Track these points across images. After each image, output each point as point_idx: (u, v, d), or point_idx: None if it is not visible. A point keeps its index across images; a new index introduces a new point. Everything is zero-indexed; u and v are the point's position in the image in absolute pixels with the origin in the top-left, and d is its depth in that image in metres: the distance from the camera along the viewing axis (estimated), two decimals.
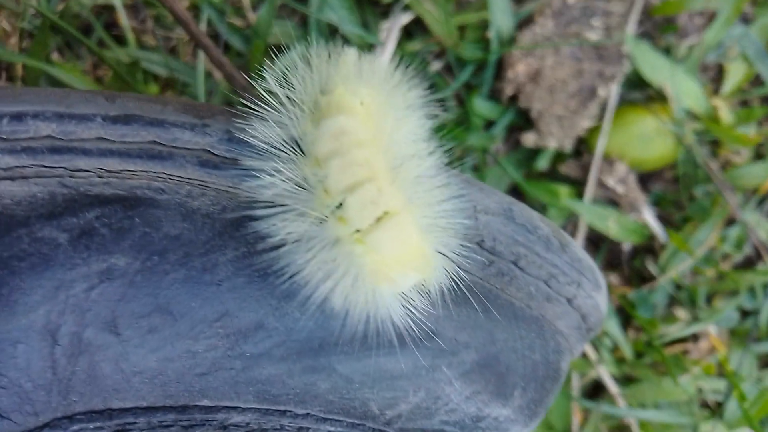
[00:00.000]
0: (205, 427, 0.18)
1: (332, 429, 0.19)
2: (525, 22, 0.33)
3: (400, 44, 0.33)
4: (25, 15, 0.33)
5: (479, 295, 0.19)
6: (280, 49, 0.33)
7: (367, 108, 0.16)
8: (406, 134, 0.17)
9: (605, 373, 0.32)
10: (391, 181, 0.16)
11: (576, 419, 0.32)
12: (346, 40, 0.33)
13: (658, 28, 0.35)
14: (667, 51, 0.34)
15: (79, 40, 0.32)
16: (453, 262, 0.17)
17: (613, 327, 0.32)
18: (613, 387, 0.32)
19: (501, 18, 0.32)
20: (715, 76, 0.35)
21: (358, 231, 0.16)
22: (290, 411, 0.18)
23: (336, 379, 0.18)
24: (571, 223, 0.33)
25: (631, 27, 0.34)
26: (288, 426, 0.19)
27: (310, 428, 0.19)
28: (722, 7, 0.33)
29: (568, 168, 0.33)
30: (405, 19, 0.33)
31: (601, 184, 0.33)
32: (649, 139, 0.33)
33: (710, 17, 0.35)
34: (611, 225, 0.31)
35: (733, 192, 0.34)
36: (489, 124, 0.34)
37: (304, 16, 0.33)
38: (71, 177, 0.18)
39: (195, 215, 0.18)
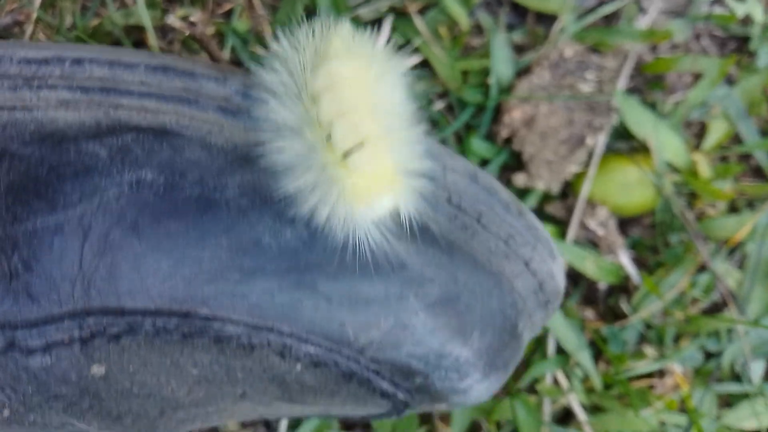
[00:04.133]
0: (202, 337, 0.21)
1: (312, 350, 0.21)
2: (523, 72, 0.36)
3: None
4: (61, 28, 0.35)
5: (447, 242, 0.21)
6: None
7: (358, 69, 0.19)
8: (390, 100, 0.20)
9: (575, 401, 0.35)
10: (372, 116, 0.19)
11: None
12: None
13: (648, 84, 0.38)
14: (654, 106, 0.37)
15: None
16: (422, 194, 0.19)
17: (585, 358, 0.35)
18: (581, 415, 0.35)
19: (501, 66, 0.35)
20: (698, 132, 0.38)
21: (343, 157, 0.18)
22: (276, 327, 0.21)
23: (318, 297, 0.20)
24: None
25: (622, 82, 0.36)
26: (273, 342, 0.21)
27: (292, 346, 0.21)
28: (708, 69, 0.36)
29: (553, 208, 0.36)
30: (413, 61, 0.35)
31: (583, 226, 0.35)
32: (630, 187, 0.36)
33: (697, 76, 0.38)
34: (589, 265, 0.34)
35: (706, 242, 0.36)
36: (484, 163, 0.36)
37: None
38: (114, 110, 0.21)
39: (212, 148, 0.21)
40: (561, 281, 0.25)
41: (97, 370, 0.21)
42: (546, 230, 0.24)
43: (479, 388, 0.23)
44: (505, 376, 0.25)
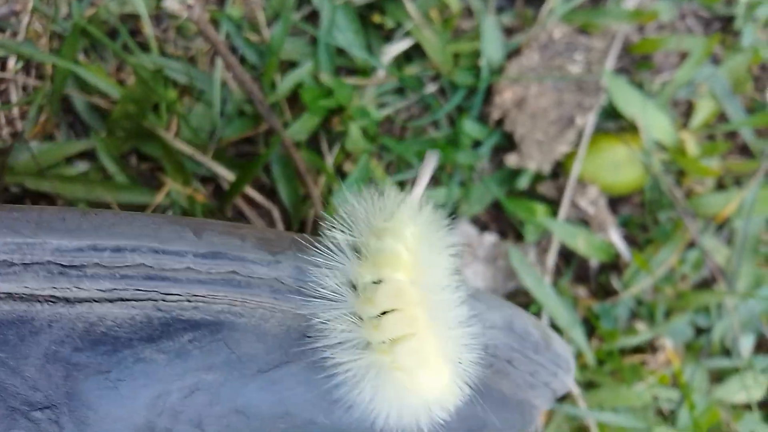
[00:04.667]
0: None
1: None
2: (513, 53, 0.36)
3: (400, 66, 0.36)
4: (56, 18, 0.35)
5: (480, 389, 0.23)
6: (292, 64, 0.36)
7: (409, 248, 0.20)
8: (438, 268, 0.21)
9: None
10: (430, 329, 0.20)
11: (541, 419, 0.36)
12: (351, 61, 0.36)
13: (635, 64, 0.38)
14: (642, 85, 0.38)
15: (106, 45, 0.35)
16: (467, 383, 0.21)
17: (578, 335, 0.35)
18: (575, 390, 0.35)
19: (492, 49, 0.35)
20: (685, 111, 0.39)
21: (394, 354, 0.19)
22: None
23: None
24: (545, 238, 0.37)
25: (610, 62, 0.37)
26: None
27: None
28: (694, 48, 0.37)
29: (545, 188, 0.37)
30: (405, 44, 0.36)
31: (574, 205, 0.36)
32: (619, 165, 0.36)
33: (684, 56, 0.38)
34: (580, 243, 0.35)
35: (695, 218, 0.37)
36: (476, 144, 0.37)
37: (314, 36, 0.36)
38: (164, 301, 0.21)
39: (266, 336, 0.22)
40: (571, 383, 0.28)
41: None
42: (566, 349, 0.27)
43: None
44: None
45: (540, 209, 0.36)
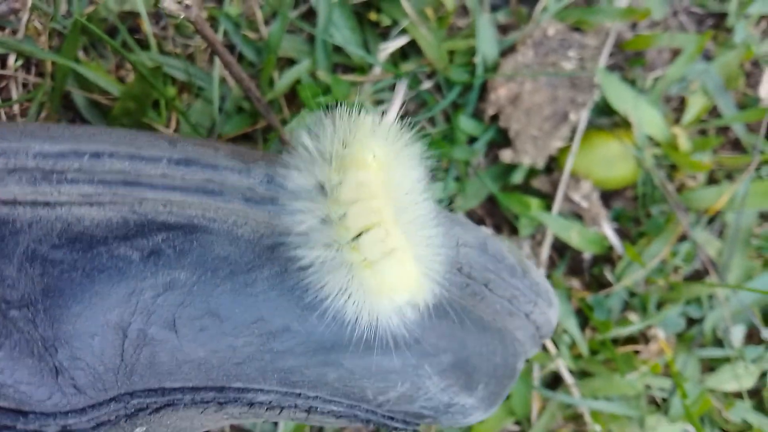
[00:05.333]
0: (236, 404, 0.23)
1: (335, 408, 0.24)
2: (508, 50, 0.37)
3: (396, 64, 0.37)
4: (56, 16, 0.36)
5: (457, 310, 0.24)
6: (290, 61, 0.36)
7: (378, 161, 0.20)
8: (408, 183, 0.21)
9: (563, 367, 0.36)
10: (395, 223, 0.20)
11: (535, 407, 0.36)
12: (348, 58, 0.36)
13: (628, 61, 0.39)
14: (635, 82, 0.38)
15: (106, 42, 0.35)
16: (438, 284, 0.21)
17: (572, 326, 0.36)
18: (569, 379, 0.36)
19: (487, 46, 0.36)
20: (678, 107, 0.39)
21: (366, 259, 0.20)
22: (304, 393, 0.23)
23: (342, 371, 0.23)
24: (539, 232, 0.37)
25: (603, 59, 0.37)
26: (300, 404, 0.24)
27: (318, 407, 0.24)
28: (686, 45, 0.37)
29: (539, 183, 0.37)
30: (401, 41, 0.36)
31: (568, 199, 0.37)
32: (612, 161, 0.37)
33: (676, 53, 0.39)
34: (573, 235, 0.35)
35: (686, 212, 0.38)
36: (472, 140, 0.37)
37: (312, 34, 0.36)
38: (140, 204, 0.22)
39: (239, 241, 0.22)
40: (555, 322, 0.28)
41: (139, 430, 0.23)
42: (545, 280, 0.27)
43: (479, 417, 0.27)
44: (501, 401, 0.28)
45: (534, 203, 0.36)
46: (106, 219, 0.22)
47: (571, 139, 0.37)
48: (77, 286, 0.21)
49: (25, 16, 0.36)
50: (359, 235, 0.20)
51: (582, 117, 0.37)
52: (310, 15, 0.37)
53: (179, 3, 0.28)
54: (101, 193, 0.22)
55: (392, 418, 0.25)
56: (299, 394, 0.23)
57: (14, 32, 0.36)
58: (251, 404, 0.23)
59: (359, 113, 0.21)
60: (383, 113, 0.21)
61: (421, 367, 0.24)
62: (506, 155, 0.36)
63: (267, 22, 0.37)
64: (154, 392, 0.22)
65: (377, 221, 0.20)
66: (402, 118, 0.22)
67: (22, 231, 0.21)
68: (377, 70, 0.36)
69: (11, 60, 0.36)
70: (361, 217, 0.20)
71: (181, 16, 0.27)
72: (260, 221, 0.23)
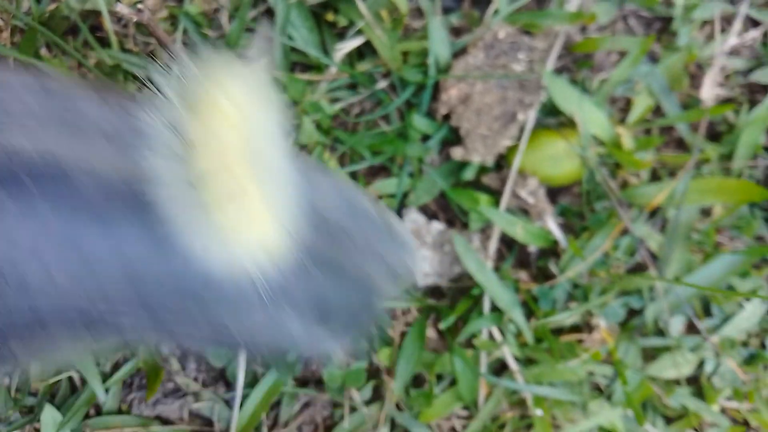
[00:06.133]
0: (101, 323, 0.24)
1: (197, 333, 0.25)
2: (460, 52, 0.38)
3: (352, 63, 0.38)
4: (17, 14, 0.37)
5: (318, 256, 0.25)
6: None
7: (234, 104, 0.21)
8: (266, 129, 0.21)
9: (508, 354, 0.38)
10: (245, 167, 0.21)
11: (482, 392, 0.38)
12: (305, 56, 0.38)
13: (577, 63, 0.40)
14: (583, 83, 0.40)
15: (65, 41, 0.36)
16: (297, 230, 0.22)
17: (518, 316, 0.38)
18: (514, 366, 0.38)
19: (439, 48, 0.37)
20: (624, 107, 0.41)
21: (214, 201, 0.21)
22: (166, 320, 0.24)
23: (202, 303, 0.24)
24: (488, 227, 0.39)
25: (551, 62, 0.39)
26: (163, 328, 0.24)
27: (179, 332, 0.24)
28: (631, 48, 0.39)
29: (489, 179, 0.39)
30: (357, 42, 0.38)
31: (515, 195, 0.38)
32: (558, 159, 0.39)
33: (624, 55, 0.41)
34: (518, 230, 0.37)
35: (628, 208, 0.39)
36: (425, 138, 0.39)
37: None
38: (4, 134, 0.22)
39: (98, 175, 0.22)
40: (411, 264, 0.29)
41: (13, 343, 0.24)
42: (402, 226, 0.28)
43: (336, 347, 0.28)
44: (361, 334, 0.29)
45: (483, 199, 0.38)
46: None
47: (519, 138, 0.38)
48: None
49: None
50: (209, 176, 0.20)
51: (530, 117, 0.38)
52: (268, 14, 0.38)
53: (132, 5, 0.29)
54: None
55: (253, 346, 0.26)
56: (161, 320, 0.24)
57: None
58: (116, 326, 0.24)
59: (221, 59, 0.21)
60: (246, 59, 0.21)
61: (282, 308, 0.25)
62: (457, 153, 0.38)
63: (230, 20, 0.38)
64: (33, 325, 0.23)
65: (226, 165, 0.20)
66: (264, 66, 0.22)
67: None
68: (333, 70, 0.38)
69: None
70: (212, 159, 0.20)
71: (134, 20, 0.28)
72: (117, 156, 0.23)
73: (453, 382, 0.38)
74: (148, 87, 0.21)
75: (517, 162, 0.38)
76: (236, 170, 0.21)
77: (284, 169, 0.22)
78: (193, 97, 0.20)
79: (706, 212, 0.41)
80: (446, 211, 0.40)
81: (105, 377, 0.37)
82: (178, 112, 0.20)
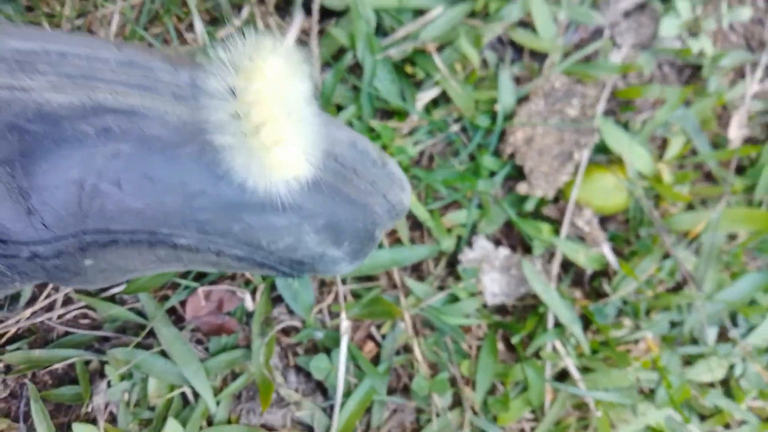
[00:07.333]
0: (163, 245, 0.31)
1: (238, 252, 0.32)
2: (523, 99, 0.44)
3: (428, 110, 0.43)
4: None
5: (330, 186, 0.32)
6: (338, 107, 0.43)
7: (275, 73, 0.27)
8: (298, 91, 0.28)
9: (570, 364, 0.43)
10: (286, 120, 0.27)
11: (548, 398, 0.43)
12: (386, 104, 0.43)
13: (620, 106, 0.46)
14: (627, 124, 0.46)
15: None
16: (316, 167, 0.28)
17: (577, 330, 0.43)
18: (576, 374, 0.43)
19: (506, 97, 0.43)
20: (661, 144, 0.47)
21: (263, 144, 0.27)
22: (214, 241, 0.32)
23: (243, 224, 0.31)
24: (549, 252, 0.44)
25: (601, 106, 0.45)
26: (212, 248, 0.32)
27: (225, 251, 0.32)
28: (670, 96, 0.45)
29: (548, 210, 0.44)
30: (434, 92, 0.43)
31: (572, 224, 0.44)
32: (609, 191, 0.44)
33: (661, 99, 0.46)
34: (581, 257, 0.42)
35: (669, 234, 0.45)
36: (491, 174, 0.44)
37: (358, 86, 0.43)
38: (93, 92, 0.29)
39: (168, 125, 0.29)
40: (408, 203, 0.36)
41: (88, 262, 0.31)
42: (400, 171, 0.35)
43: (347, 268, 0.35)
44: (364, 259, 0.36)
45: (545, 228, 0.43)
46: (69, 102, 0.28)
47: (575, 173, 0.44)
48: (47, 151, 0.28)
49: None
50: (259, 127, 0.27)
51: (584, 156, 0.44)
52: (355, 68, 0.43)
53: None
54: (65, 83, 0.28)
55: (281, 263, 0.34)
56: (212, 240, 0.31)
57: None
58: (175, 246, 0.31)
59: (264, 36, 0.27)
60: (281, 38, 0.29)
61: (302, 225, 0.32)
62: (522, 188, 0.43)
63: (323, 70, 0.43)
64: (102, 232, 0.30)
65: (272, 118, 0.27)
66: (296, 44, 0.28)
67: (2, 108, 0.28)
68: (414, 117, 0.43)
69: None
70: (260, 114, 0.27)
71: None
72: (185, 112, 0.29)
73: (522, 390, 0.43)
74: (214, 59, 0.27)
75: (573, 195, 0.43)
76: (277, 121, 0.27)
77: (311, 122, 0.28)
78: (246, 67, 0.27)
79: (732, 237, 0.47)
80: (509, 237, 0.45)
81: (216, 391, 0.42)
82: (234, 78, 0.27)
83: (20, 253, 0.29)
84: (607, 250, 0.44)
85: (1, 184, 0.28)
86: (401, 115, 0.43)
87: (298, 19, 0.30)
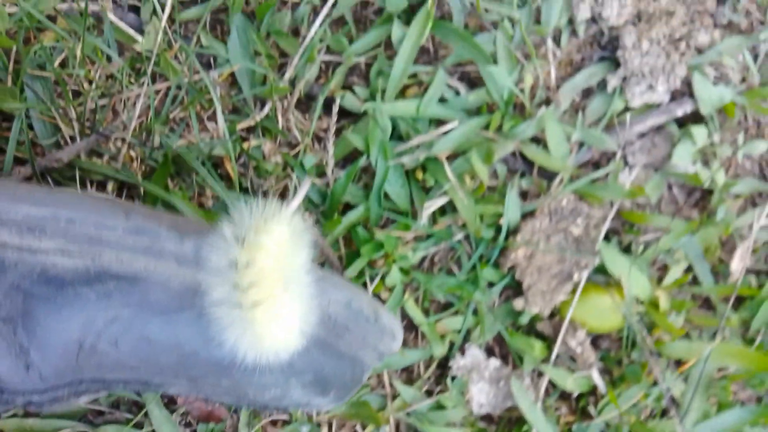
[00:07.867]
0: (155, 388, 0.34)
1: (226, 399, 0.35)
2: (528, 214, 0.44)
3: (434, 217, 0.44)
4: (152, 152, 0.42)
5: (322, 344, 0.34)
6: (347, 204, 0.43)
7: (277, 244, 0.29)
8: (298, 258, 0.30)
9: None
10: (285, 292, 0.29)
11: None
12: (395, 204, 0.44)
13: (624, 227, 0.46)
14: (629, 246, 0.46)
15: (194, 173, 0.42)
16: (310, 328, 0.30)
17: None
18: None
19: (512, 213, 0.43)
20: (662, 267, 0.47)
21: (254, 310, 0.29)
22: (203, 389, 0.34)
23: (232, 380, 0.34)
24: (538, 370, 0.45)
25: (605, 228, 0.45)
26: (200, 394, 0.34)
27: (212, 397, 0.35)
28: (675, 227, 0.45)
29: (542, 326, 0.45)
30: (442, 201, 0.43)
31: (564, 343, 0.44)
32: (604, 312, 0.44)
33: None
34: (569, 382, 0.43)
35: (659, 360, 0.45)
36: (490, 284, 0.45)
37: (369, 185, 0.43)
38: (99, 258, 0.30)
39: (170, 291, 0.31)
40: (397, 347, 0.38)
41: (82, 399, 0.33)
42: (393, 320, 0.37)
43: (329, 406, 0.38)
44: (348, 398, 0.38)
45: (537, 345, 0.44)
46: (74, 266, 0.30)
47: (572, 293, 0.44)
48: (49, 312, 0.30)
49: (124, 148, 0.42)
50: (256, 303, 0.28)
51: (583, 277, 0.44)
52: (368, 167, 0.44)
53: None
54: (71, 248, 0.30)
55: (266, 407, 0.38)
56: (200, 389, 0.34)
57: (112, 159, 0.43)
58: (165, 392, 0.35)
59: (267, 206, 0.29)
60: (285, 202, 0.30)
61: (290, 380, 0.34)
62: (519, 304, 0.44)
63: (334, 170, 0.44)
64: (97, 381, 0.32)
65: (270, 296, 0.28)
66: (299, 209, 0.30)
67: (9, 268, 0.29)
68: (419, 226, 0.43)
69: (110, 186, 0.42)
70: (259, 293, 0.28)
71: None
72: (187, 278, 0.31)
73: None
74: (219, 230, 0.29)
75: (569, 316, 0.44)
76: (275, 299, 0.29)
77: (308, 292, 0.30)
78: (250, 241, 0.28)
79: (722, 368, 0.47)
80: (502, 347, 0.46)
81: None
82: (237, 251, 0.28)
83: (16, 400, 0.31)
84: (596, 375, 0.44)
85: (2, 340, 0.30)
86: (407, 214, 0.44)
87: (305, 186, 0.32)
